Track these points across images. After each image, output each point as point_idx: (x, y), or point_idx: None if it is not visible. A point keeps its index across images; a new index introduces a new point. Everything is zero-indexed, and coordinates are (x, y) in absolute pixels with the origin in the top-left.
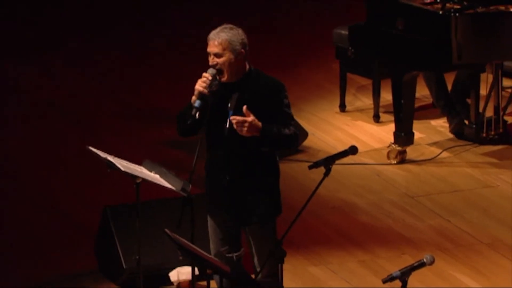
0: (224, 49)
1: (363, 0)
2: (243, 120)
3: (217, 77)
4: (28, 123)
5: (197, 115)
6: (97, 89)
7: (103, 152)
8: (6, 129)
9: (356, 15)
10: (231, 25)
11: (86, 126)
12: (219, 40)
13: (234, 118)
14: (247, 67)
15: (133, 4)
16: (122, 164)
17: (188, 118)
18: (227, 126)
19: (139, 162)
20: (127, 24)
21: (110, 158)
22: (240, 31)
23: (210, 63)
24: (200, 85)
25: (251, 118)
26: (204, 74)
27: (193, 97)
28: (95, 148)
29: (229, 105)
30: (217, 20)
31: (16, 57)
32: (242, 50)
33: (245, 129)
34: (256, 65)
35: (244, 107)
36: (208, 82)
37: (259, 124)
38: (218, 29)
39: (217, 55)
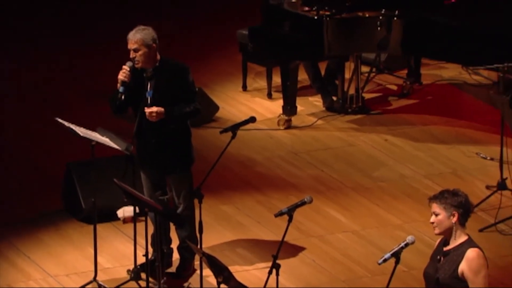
0: (140, 45)
1: (259, 8)
2: (150, 111)
3: (135, 67)
4: (11, 102)
5: (122, 97)
6: (64, 76)
7: (67, 122)
8: None
9: (254, 19)
10: (143, 26)
11: (55, 103)
12: (135, 39)
13: (150, 112)
14: (158, 56)
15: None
16: (81, 131)
17: (116, 100)
18: (148, 102)
19: (94, 129)
20: (93, 22)
21: (72, 126)
22: (151, 29)
23: (131, 57)
24: (121, 75)
25: (155, 109)
26: (123, 66)
27: (118, 85)
28: (61, 119)
29: (148, 87)
30: (149, 21)
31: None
32: (154, 45)
33: (153, 117)
34: (179, 56)
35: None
36: (127, 72)
37: (162, 110)
38: (134, 31)
39: (135, 50)
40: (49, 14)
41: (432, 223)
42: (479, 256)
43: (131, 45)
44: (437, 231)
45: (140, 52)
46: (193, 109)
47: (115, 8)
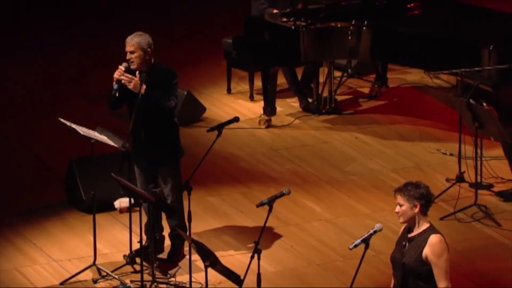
0: (136, 48)
1: (242, 19)
2: (131, 78)
3: (129, 68)
4: (17, 103)
5: (116, 94)
6: (66, 78)
7: (69, 122)
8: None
9: (237, 29)
10: (140, 32)
11: (58, 104)
12: (132, 42)
13: (127, 76)
14: (152, 60)
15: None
16: (82, 130)
17: (111, 97)
18: (139, 98)
19: (93, 128)
20: (91, 25)
21: (74, 126)
22: (147, 35)
23: (127, 58)
24: (117, 74)
25: (136, 78)
26: (119, 66)
27: (113, 83)
28: (63, 119)
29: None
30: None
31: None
32: (149, 49)
33: (131, 84)
34: (170, 62)
35: (137, 72)
36: (122, 72)
37: (138, 82)
38: (132, 35)
39: (131, 53)
40: (51, 16)
41: (397, 212)
42: (441, 241)
43: (128, 48)
44: (401, 219)
45: (135, 54)
46: (169, 104)
47: (113, 14)
